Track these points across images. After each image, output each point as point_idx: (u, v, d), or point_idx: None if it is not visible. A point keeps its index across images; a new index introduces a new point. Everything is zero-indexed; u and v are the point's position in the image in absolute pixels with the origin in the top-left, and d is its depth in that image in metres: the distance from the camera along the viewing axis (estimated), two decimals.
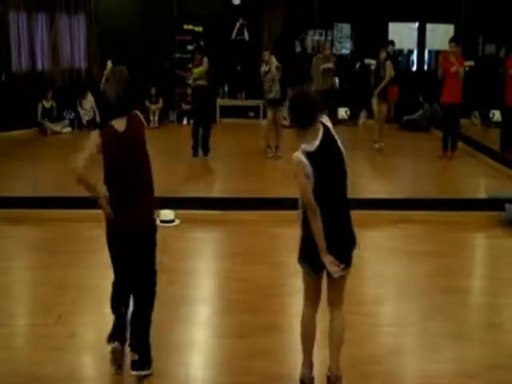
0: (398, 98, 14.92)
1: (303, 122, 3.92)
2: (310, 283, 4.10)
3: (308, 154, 3.85)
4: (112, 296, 4.52)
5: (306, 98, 3.98)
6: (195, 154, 11.12)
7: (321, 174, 3.86)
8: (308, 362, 4.15)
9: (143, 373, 4.26)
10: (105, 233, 4.33)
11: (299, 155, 3.87)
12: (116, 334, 4.45)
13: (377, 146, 12.06)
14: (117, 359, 4.41)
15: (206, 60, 11.22)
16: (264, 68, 11.55)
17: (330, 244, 3.90)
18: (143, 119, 4.26)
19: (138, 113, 4.23)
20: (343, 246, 4.01)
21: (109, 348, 4.43)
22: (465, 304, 5.73)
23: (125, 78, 4.16)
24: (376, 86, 12.14)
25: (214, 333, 5.10)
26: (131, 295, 4.40)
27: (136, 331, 4.33)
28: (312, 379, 4.15)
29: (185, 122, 15.13)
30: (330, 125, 4.01)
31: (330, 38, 16.17)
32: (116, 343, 4.41)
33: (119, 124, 4.08)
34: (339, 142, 3.99)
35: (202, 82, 11.24)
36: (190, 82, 11.80)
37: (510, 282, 6.13)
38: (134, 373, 4.25)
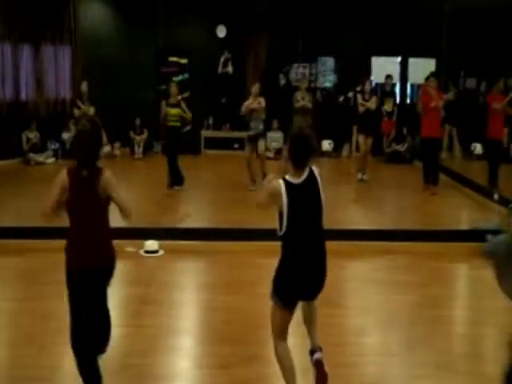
0: (393, 132, 15.15)
1: (301, 162, 4.15)
2: (281, 319, 4.22)
3: (289, 186, 4.10)
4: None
5: (308, 141, 4.17)
6: (178, 184, 10.96)
7: (297, 207, 4.09)
8: None
9: None
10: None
11: (280, 182, 4.12)
12: None
13: (359, 176, 12.14)
14: None
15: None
16: (253, 104, 11.22)
17: (300, 272, 4.12)
18: (105, 175, 4.21)
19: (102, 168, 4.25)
20: (314, 275, 4.20)
21: None
22: (448, 334, 5.74)
23: (90, 136, 4.19)
24: (363, 118, 12.06)
25: (196, 364, 5.07)
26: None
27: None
28: None
29: None
30: (315, 168, 4.24)
31: (313, 71, 16.36)
32: None
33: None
34: (320, 185, 4.20)
35: (177, 124, 10.88)
36: (161, 120, 11.07)
37: (493, 312, 6.16)
38: None
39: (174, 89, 10.98)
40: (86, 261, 4.20)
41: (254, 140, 11.33)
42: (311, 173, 4.20)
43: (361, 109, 12.01)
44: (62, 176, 4.23)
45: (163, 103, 10.95)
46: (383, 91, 15.73)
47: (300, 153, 4.16)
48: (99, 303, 4.27)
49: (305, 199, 4.14)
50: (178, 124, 10.89)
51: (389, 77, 15.85)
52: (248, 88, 13.76)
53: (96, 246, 4.23)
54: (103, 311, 4.32)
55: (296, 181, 4.13)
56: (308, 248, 4.16)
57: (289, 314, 4.21)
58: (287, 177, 4.15)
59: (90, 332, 4.22)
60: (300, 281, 4.16)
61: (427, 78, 11.78)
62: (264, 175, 11.03)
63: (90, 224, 4.21)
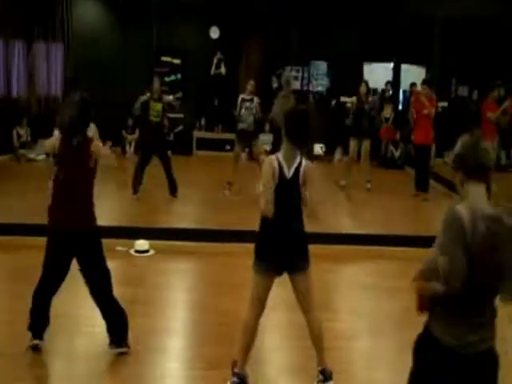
0: (394, 139, 15.17)
1: (298, 140, 4.22)
2: (259, 286, 4.35)
3: (280, 166, 4.24)
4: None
5: (305, 117, 4.25)
6: (135, 192, 10.24)
7: (279, 190, 4.23)
8: (245, 361, 4.40)
9: (122, 350, 4.87)
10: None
11: (273, 160, 4.26)
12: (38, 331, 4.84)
13: (342, 182, 11.95)
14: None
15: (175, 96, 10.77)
16: (244, 96, 11.16)
17: (275, 244, 4.30)
18: (96, 146, 4.73)
19: (95, 139, 4.82)
20: (288, 249, 4.32)
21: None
22: None
23: (75, 102, 4.70)
24: (357, 123, 11.62)
25: (187, 364, 5.06)
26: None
27: (111, 317, 4.84)
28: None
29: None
30: (305, 165, 4.29)
31: (306, 74, 16.38)
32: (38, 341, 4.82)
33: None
34: (300, 181, 4.29)
35: (158, 120, 10.59)
36: (136, 112, 10.85)
37: None
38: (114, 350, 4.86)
39: (156, 84, 10.80)
40: (72, 222, 4.65)
41: (245, 139, 11.14)
42: (299, 166, 4.27)
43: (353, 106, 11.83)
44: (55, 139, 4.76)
45: (146, 96, 10.72)
46: (383, 97, 15.76)
47: (297, 129, 4.19)
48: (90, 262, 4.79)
49: (285, 189, 4.27)
50: (159, 120, 10.70)
51: (388, 83, 15.88)
52: (240, 90, 13.75)
53: (82, 211, 4.70)
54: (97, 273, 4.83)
55: (287, 171, 4.24)
56: (283, 218, 4.27)
57: (266, 282, 4.35)
58: (280, 158, 4.25)
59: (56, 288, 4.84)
60: (273, 249, 4.33)
61: (413, 85, 11.73)
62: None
63: (78, 190, 4.66)
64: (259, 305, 4.38)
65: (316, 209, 4.40)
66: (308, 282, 4.41)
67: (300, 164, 4.29)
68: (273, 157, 4.30)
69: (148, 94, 10.75)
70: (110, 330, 4.90)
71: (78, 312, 5.76)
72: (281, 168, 4.24)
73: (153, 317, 5.83)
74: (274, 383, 4.51)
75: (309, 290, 4.42)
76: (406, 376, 4.86)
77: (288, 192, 4.28)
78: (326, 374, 4.45)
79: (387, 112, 15.27)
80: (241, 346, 4.38)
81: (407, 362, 5.13)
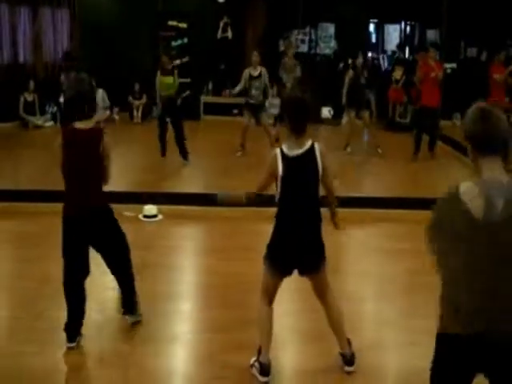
0: (403, 100, 15.06)
1: (298, 127, 4.08)
2: (268, 280, 4.29)
3: (285, 157, 4.07)
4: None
5: (302, 104, 4.11)
6: (163, 154, 10.72)
7: (290, 180, 4.08)
8: (268, 349, 4.29)
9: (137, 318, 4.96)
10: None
11: (277, 151, 4.11)
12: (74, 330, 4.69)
13: (348, 150, 11.97)
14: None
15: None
16: (252, 71, 11.15)
17: (286, 242, 4.16)
18: (107, 144, 4.56)
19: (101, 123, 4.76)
20: (299, 249, 4.17)
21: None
22: None
23: (80, 80, 4.57)
24: (353, 95, 11.60)
25: (194, 327, 5.12)
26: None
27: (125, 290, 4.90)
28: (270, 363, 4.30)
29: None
30: (318, 145, 4.12)
31: (313, 37, 16.24)
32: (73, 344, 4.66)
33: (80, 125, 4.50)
34: (319, 163, 4.09)
35: (171, 92, 10.56)
36: (158, 91, 10.68)
37: None
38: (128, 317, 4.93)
39: (164, 59, 10.75)
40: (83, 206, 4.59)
41: (253, 110, 11.24)
42: (312, 149, 4.09)
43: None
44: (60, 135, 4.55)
45: (158, 73, 10.76)
46: (397, 58, 15.65)
47: (296, 116, 4.09)
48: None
49: (299, 173, 4.09)
50: (173, 92, 10.69)
51: (400, 45, 15.76)
52: (247, 53, 13.64)
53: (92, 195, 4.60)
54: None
55: (292, 153, 4.06)
56: (297, 221, 4.15)
57: (276, 279, 4.28)
58: (284, 147, 4.10)
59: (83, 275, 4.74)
60: (285, 251, 4.21)
61: (423, 49, 11.67)
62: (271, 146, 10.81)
63: (86, 176, 4.53)
64: (269, 296, 4.33)
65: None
66: (325, 279, 4.32)
67: (313, 147, 4.11)
68: (277, 150, 4.12)
69: (158, 71, 10.71)
70: (125, 302, 4.99)
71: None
72: (283, 155, 4.07)
73: (161, 281, 5.89)
74: (274, 344, 4.56)
75: (326, 285, 4.36)
76: (411, 337, 4.94)
77: (301, 176, 4.10)
78: (346, 358, 4.43)
79: (398, 74, 15.10)
80: (260, 335, 4.33)
81: (413, 324, 5.21)
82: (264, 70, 11.21)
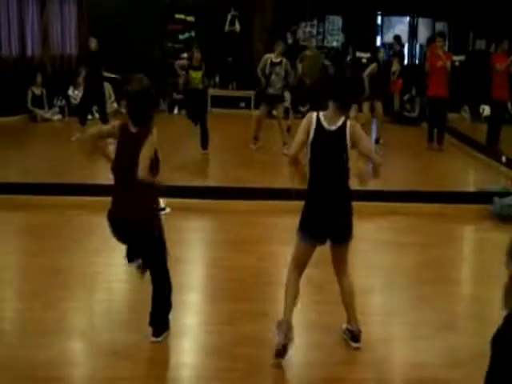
0: (401, 89, 15.05)
1: (342, 104, 4.27)
2: (299, 252, 4.43)
3: (319, 126, 4.24)
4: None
5: (353, 84, 4.44)
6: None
7: (318, 151, 4.26)
8: (286, 325, 4.34)
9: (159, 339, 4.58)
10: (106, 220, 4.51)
11: (313, 115, 4.29)
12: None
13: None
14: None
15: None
16: (273, 58, 10.94)
17: (314, 212, 4.33)
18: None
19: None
20: (330, 218, 4.32)
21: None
22: (452, 295, 5.78)
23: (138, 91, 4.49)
24: (377, 87, 11.68)
25: (204, 320, 5.13)
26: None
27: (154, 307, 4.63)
28: (286, 345, 4.32)
29: (176, 111, 15.11)
30: (350, 124, 4.25)
31: (321, 30, 16.20)
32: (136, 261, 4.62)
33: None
34: (348, 141, 4.23)
35: (199, 86, 10.70)
36: (182, 82, 10.96)
37: (497, 273, 6.15)
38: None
39: (196, 53, 10.73)
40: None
41: (271, 101, 11.07)
42: (343, 126, 4.24)
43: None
44: (117, 125, 4.51)
45: (185, 66, 10.79)
46: (394, 51, 15.58)
47: (342, 94, 4.28)
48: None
49: (327, 147, 4.27)
50: (201, 86, 10.75)
51: (396, 37, 15.68)
52: (255, 46, 13.67)
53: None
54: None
55: (327, 126, 4.24)
56: (325, 192, 4.31)
57: (306, 249, 4.41)
58: (321, 116, 4.27)
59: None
60: (313, 221, 4.35)
61: (433, 40, 11.66)
62: (284, 144, 10.78)
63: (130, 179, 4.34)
64: (298, 268, 4.47)
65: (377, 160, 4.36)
66: (346, 253, 4.48)
67: (345, 123, 4.25)
68: (314, 114, 4.31)
69: (186, 64, 10.78)
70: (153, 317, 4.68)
71: (95, 270, 5.87)
72: (319, 122, 4.25)
73: (170, 273, 5.90)
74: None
75: (345, 259, 4.51)
76: (419, 330, 4.94)
77: (330, 150, 4.26)
78: (353, 334, 4.52)
79: (395, 66, 15.06)
80: (285, 298, 4.46)
81: (420, 316, 5.21)
82: (285, 60, 11.06)
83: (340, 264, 4.52)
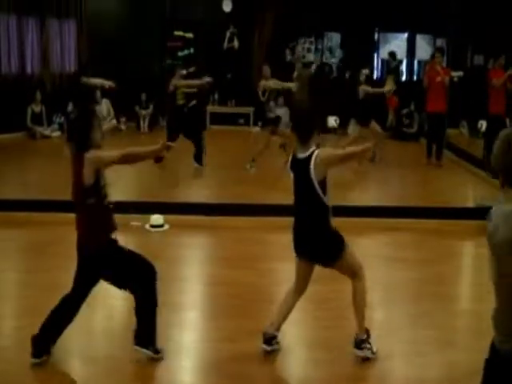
0: (397, 106, 15.10)
1: (301, 137, 4.36)
2: (296, 266, 4.58)
3: (293, 159, 4.44)
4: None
5: (306, 116, 4.45)
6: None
7: (295, 180, 4.46)
8: (276, 323, 4.54)
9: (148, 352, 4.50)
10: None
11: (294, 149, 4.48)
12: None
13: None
14: None
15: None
16: (265, 84, 11.15)
17: (294, 233, 4.53)
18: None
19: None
20: (301, 241, 4.49)
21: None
22: (452, 311, 5.77)
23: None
24: (355, 109, 11.71)
25: (201, 337, 5.12)
26: None
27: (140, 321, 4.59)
28: (272, 337, 4.51)
29: None
30: (318, 152, 4.32)
31: (320, 46, 16.27)
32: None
33: None
34: (312, 169, 4.28)
35: (193, 102, 11.04)
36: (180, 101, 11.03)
37: None
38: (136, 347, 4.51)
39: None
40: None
41: (274, 123, 11.20)
42: (310, 155, 4.31)
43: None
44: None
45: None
46: (388, 68, 15.67)
47: (299, 127, 4.39)
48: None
49: (298, 174, 4.40)
50: (181, 102, 10.82)
51: (391, 54, 15.76)
52: (254, 63, 13.71)
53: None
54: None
55: (299, 153, 4.37)
56: (297, 217, 4.50)
57: (299, 265, 4.53)
58: (296, 150, 4.41)
59: None
60: (293, 241, 4.54)
61: (433, 56, 11.71)
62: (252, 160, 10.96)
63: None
64: (295, 284, 4.58)
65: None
66: (341, 268, 4.57)
67: (312, 153, 4.31)
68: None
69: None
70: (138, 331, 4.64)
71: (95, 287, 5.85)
72: (293, 156, 4.43)
73: (167, 291, 5.86)
74: (282, 356, 4.56)
75: (344, 271, 4.60)
76: (419, 346, 4.92)
77: (299, 178, 4.40)
78: (356, 341, 4.57)
79: (389, 83, 15.09)
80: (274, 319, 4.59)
81: (420, 333, 5.19)
82: (272, 82, 11.25)
83: (344, 274, 4.62)
